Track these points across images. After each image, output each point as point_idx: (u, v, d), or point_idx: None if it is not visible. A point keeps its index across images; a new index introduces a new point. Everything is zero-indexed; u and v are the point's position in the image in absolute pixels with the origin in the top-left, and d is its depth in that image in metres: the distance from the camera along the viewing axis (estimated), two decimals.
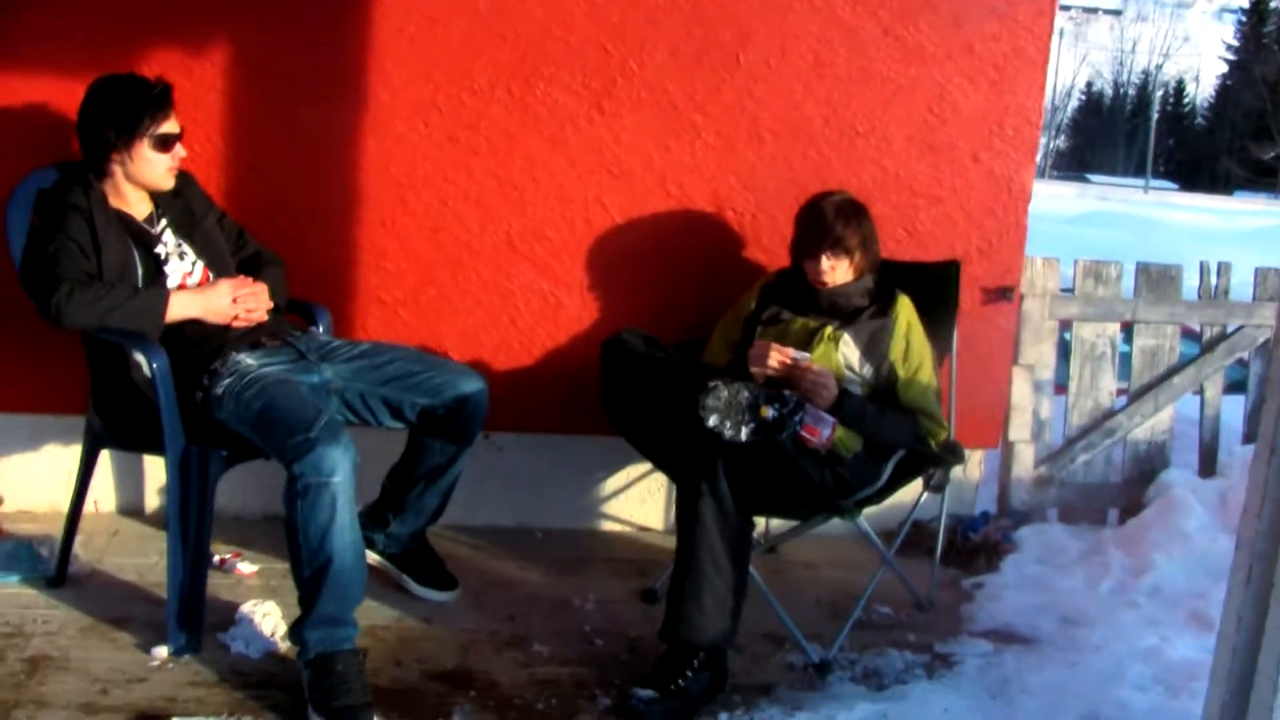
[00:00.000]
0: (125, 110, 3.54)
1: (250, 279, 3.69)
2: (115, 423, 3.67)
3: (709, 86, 4.29)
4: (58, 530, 3.85)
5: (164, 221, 3.70)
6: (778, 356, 3.57)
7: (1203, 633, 3.74)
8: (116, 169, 3.59)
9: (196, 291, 3.57)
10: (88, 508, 3.95)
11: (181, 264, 3.65)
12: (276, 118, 4.13)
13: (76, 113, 3.58)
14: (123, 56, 3.95)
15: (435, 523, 3.98)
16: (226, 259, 3.79)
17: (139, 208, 3.67)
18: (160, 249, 3.63)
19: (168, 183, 3.66)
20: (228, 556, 4.02)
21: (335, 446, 3.19)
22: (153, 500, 4.44)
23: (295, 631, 3.26)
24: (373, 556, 3.89)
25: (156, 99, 3.58)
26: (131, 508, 4.46)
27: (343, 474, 3.18)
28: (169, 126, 3.60)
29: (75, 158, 3.71)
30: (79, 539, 3.90)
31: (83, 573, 3.89)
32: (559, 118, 4.23)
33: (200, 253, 3.72)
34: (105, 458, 4.25)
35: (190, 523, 3.43)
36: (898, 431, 3.69)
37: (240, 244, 3.92)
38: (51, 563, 3.83)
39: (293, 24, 4.10)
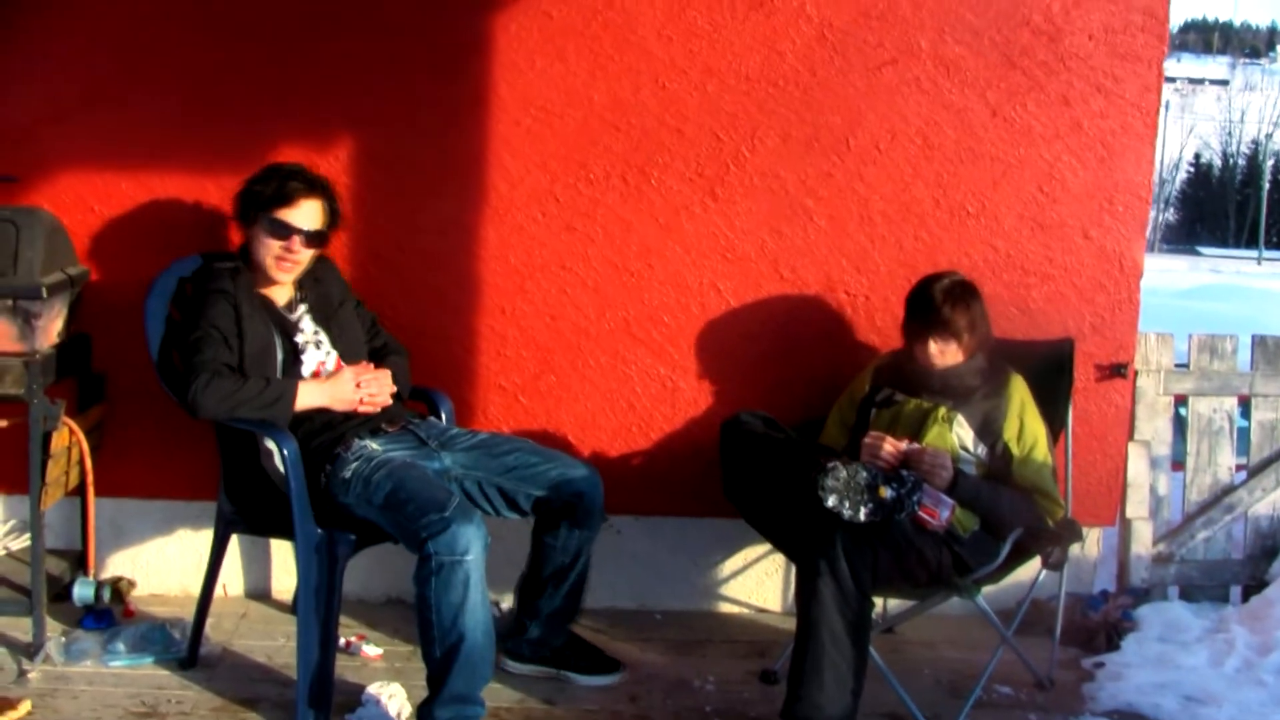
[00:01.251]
0: (260, 183, 3.72)
1: (373, 365, 3.79)
2: (246, 508, 3.77)
3: (820, 171, 4.35)
4: (188, 613, 3.95)
5: (303, 308, 3.81)
6: (889, 449, 3.60)
7: None
8: (248, 243, 3.77)
9: (323, 381, 3.67)
10: (217, 591, 4.05)
11: (317, 353, 3.76)
12: (398, 208, 4.25)
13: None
14: (251, 149, 4.12)
15: (574, 620, 4.01)
16: (360, 347, 3.89)
17: (280, 293, 3.78)
18: (299, 337, 3.74)
19: (276, 274, 3.75)
20: (353, 639, 4.09)
21: (469, 525, 3.26)
22: (279, 583, 4.53)
23: (425, 710, 3.32)
24: (527, 667, 3.95)
25: (283, 179, 3.72)
26: (259, 591, 4.56)
27: (475, 553, 3.25)
28: (289, 215, 3.69)
29: (216, 248, 3.87)
30: (210, 622, 3.99)
31: (213, 654, 3.99)
32: (673, 205, 4.32)
33: (335, 341, 3.82)
34: (233, 542, 4.36)
35: (319, 607, 3.50)
36: (1014, 510, 3.69)
37: (372, 333, 4.02)
38: (184, 644, 3.93)
39: (413, 116, 4.24)
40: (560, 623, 3.95)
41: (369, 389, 3.70)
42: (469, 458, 3.78)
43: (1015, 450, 3.79)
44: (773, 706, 3.46)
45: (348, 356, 3.83)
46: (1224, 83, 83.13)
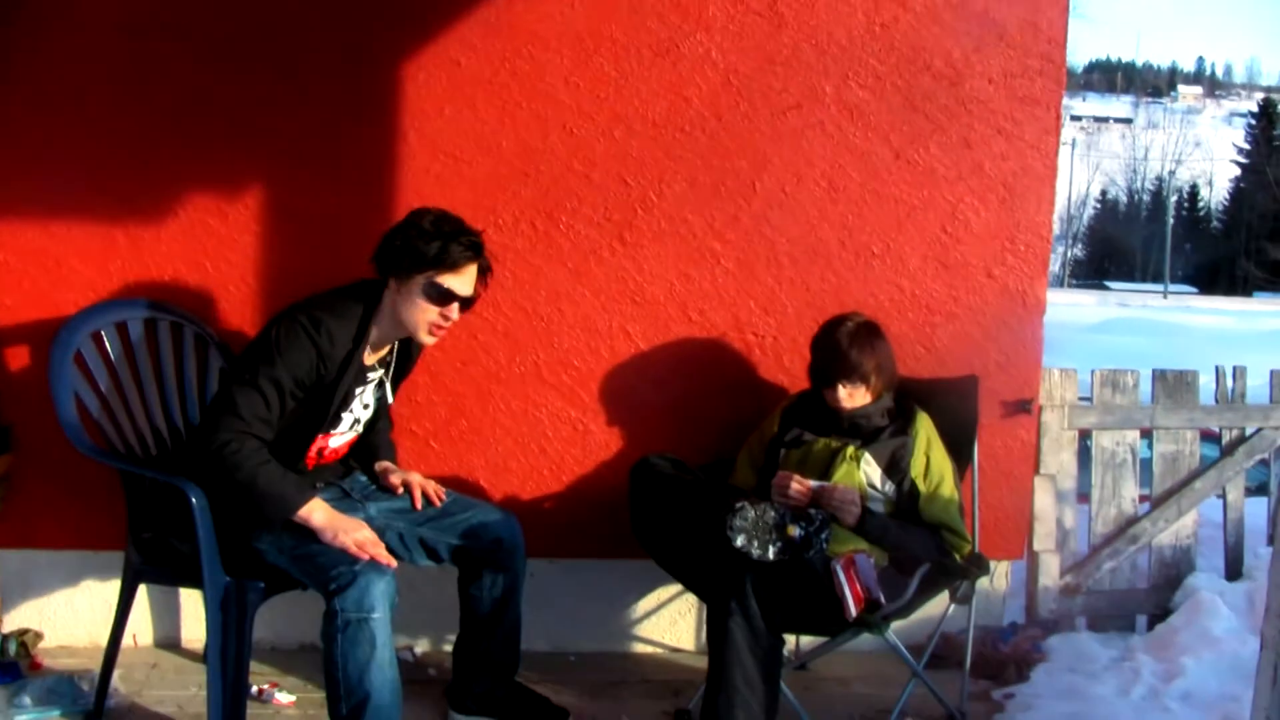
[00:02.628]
0: (423, 240, 3.46)
1: (383, 547, 3.42)
2: (153, 557, 3.72)
3: (727, 215, 4.40)
4: (98, 664, 3.88)
5: (380, 375, 3.71)
6: (797, 487, 3.64)
7: None
8: (387, 297, 3.53)
9: (336, 516, 3.41)
10: (126, 641, 4.01)
11: (345, 428, 3.70)
12: (308, 257, 4.23)
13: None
14: (159, 195, 4.14)
15: (516, 671, 3.97)
16: (377, 423, 3.88)
17: (378, 352, 3.66)
18: (348, 410, 3.65)
19: (426, 338, 3.59)
20: (265, 687, 4.06)
21: (378, 582, 3.24)
22: (190, 632, 4.47)
23: None
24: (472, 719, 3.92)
25: (458, 246, 3.49)
26: (169, 640, 4.50)
27: (382, 611, 3.23)
28: (452, 281, 3.50)
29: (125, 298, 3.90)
30: (119, 672, 3.94)
31: (122, 706, 3.94)
32: (582, 250, 4.35)
33: (373, 414, 3.79)
34: (144, 591, 4.32)
35: (229, 655, 3.47)
36: (921, 547, 3.75)
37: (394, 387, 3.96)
38: (91, 697, 3.87)
39: (322, 163, 4.23)
40: (501, 674, 3.92)
41: (368, 548, 3.37)
42: (391, 508, 3.78)
43: (922, 487, 3.84)
44: None
45: (361, 435, 3.82)
46: (1128, 121, 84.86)
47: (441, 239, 3.47)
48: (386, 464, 3.92)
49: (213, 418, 3.38)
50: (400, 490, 3.79)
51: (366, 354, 3.57)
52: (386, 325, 3.56)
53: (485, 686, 3.90)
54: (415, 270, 3.46)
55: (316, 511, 3.37)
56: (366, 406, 3.72)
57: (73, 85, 4.15)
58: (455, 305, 3.54)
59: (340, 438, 3.71)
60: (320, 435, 3.61)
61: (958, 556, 3.85)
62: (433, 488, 3.80)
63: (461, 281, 3.52)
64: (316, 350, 3.39)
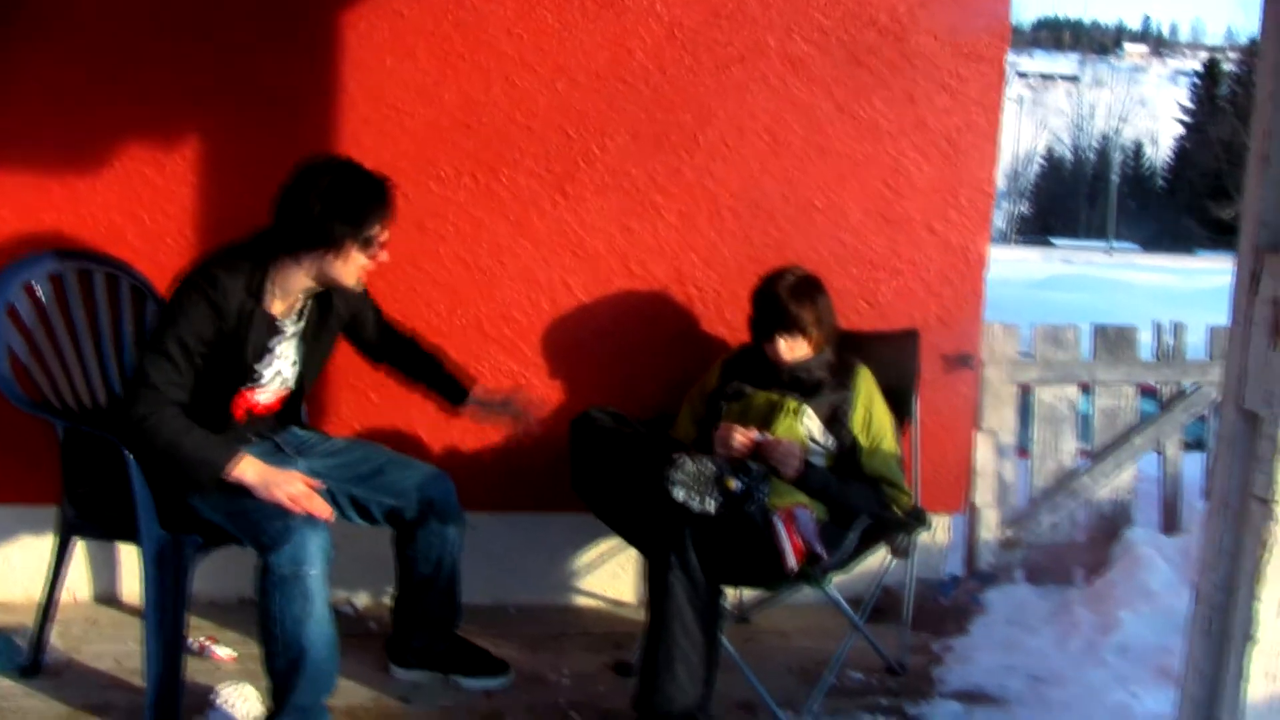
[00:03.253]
0: (358, 210, 3.40)
1: (314, 489, 3.40)
2: (88, 512, 3.69)
3: (669, 168, 4.39)
4: (32, 620, 3.85)
5: (300, 324, 3.63)
6: (740, 438, 3.64)
7: (1171, 687, 3.71)
8: (309, 260, 3.44)
9: (268, 470, 3.37)
10: (65, 597, 3.99)
11: (267, 382, 3.63)
12: (246, 209, 4.14)
13: (288, 190, 3.41)
14: (94, 145, 4.09)
15: (456, 625, 3.98)
16: (313, 376, 3.82)
17: (289, 303, 3.55)
18: (266, 363, 3.58)
19: (358, 286, 3.56)
20: (204, 641, 4.04)
21: (313, 536, 3.23)
22: (129, 586, 4.45)
23: None
24: (413, 673, 3.93)
25: (386, 202, 3.46)
26: (108, 595, 4.47)
27: (318, 566, 3.22)
28: (381, 231, 3.48)
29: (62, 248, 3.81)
30: (56, 628, 3.91)
31: (60, 662, 3.91)
32: (523, 202, 4.33)
33: (299, 371, 3.72)
34: (82, 547, 4.31)
35: (166, 610, 3.45)
36: (861, 500, 3.75)
37: (373, 334, 3.96)
38: (27, 653, 3.84)
39: (262, 113, 4.19)
40: (440, 629, 3.93)
41: (304, 502, 3.35)
42: (324, 464, 3.73)
43: (863, 441, 3.85)
44: (627, 698, 3.47)
45: (294, 388, 3.76)
46: (1074, 79, 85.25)
47: (369, 201, 3.42)
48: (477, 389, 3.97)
49: (129, 391, 3.35)
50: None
51: (273, 305, 3.50)
52: (299, 280, 3.49)
53: (424, 641, 3.91)
54: (347, 239, 3.39)
55: (248, 469, 3.33)
56: (289, 360, 3.67)
57: (6, 46, 4.07)
58: (383, 250, 3.52)
59: (267, 393, 3.66)
60: (243, 391, 3.57)
61: (898, 510, 3.87)
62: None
63: (386, 228, 3.50)
64: (213, 306, 3.33)
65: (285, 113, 4.19)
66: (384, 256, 3.51)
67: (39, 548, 4.23)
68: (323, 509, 3.33)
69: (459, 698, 3.83)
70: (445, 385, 3.98)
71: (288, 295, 3.52)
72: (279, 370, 3.64)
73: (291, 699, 3.25)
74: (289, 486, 3.32)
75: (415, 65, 4.23)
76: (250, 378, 3.55)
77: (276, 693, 3.29)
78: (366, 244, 3.43)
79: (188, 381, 3.35)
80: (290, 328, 3.60)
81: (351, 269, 3.46)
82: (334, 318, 3.72)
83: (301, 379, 3.75)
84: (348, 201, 3.38)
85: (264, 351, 3.54)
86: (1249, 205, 2.31)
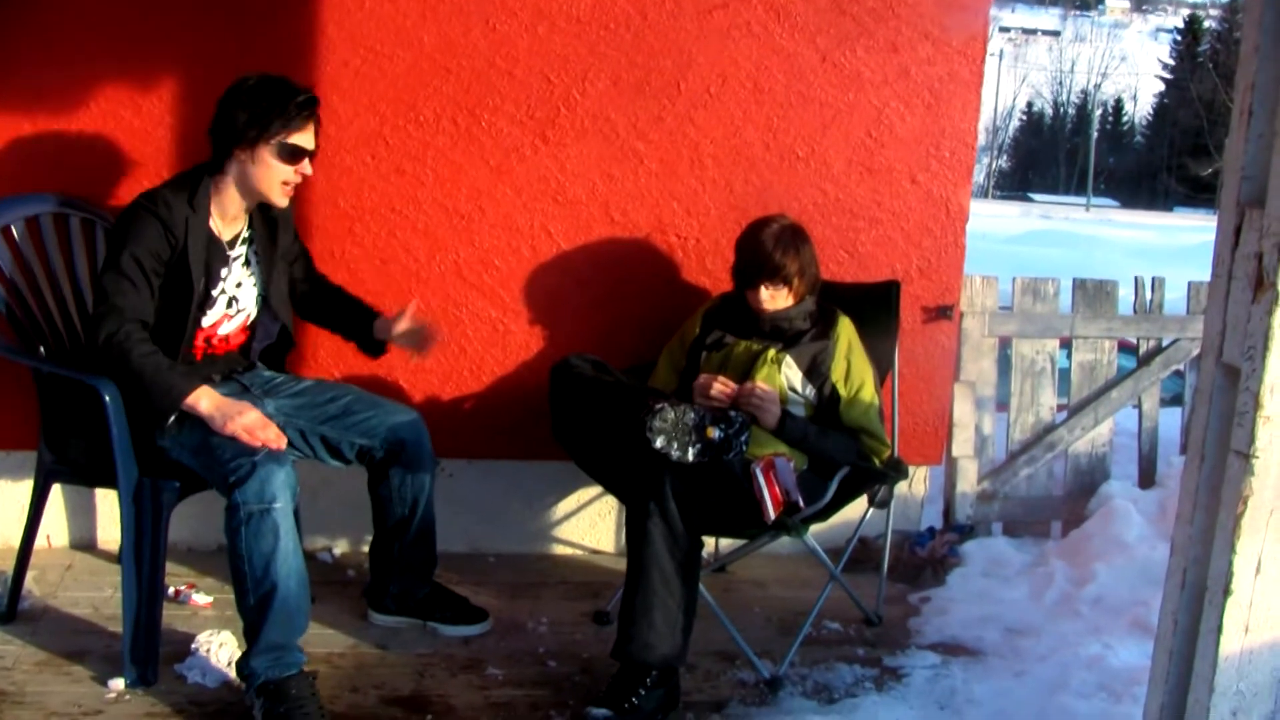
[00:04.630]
0: (262, 106, 3.44)
1: (274, 427, 3.38)
2: (66, 456, 3.67)
3: (651, 115, 4.35)
4: (10, 566, 3.83)
5: (243, 249, 3.64)
6: (719, 387, 3.64)
7: (1144, 639, 3.78)
8: (233, 168, 3.49)
9: (223, 401, 3.36)
10: (41, 543, 3.96)
11: (222, 309, 3.61)
12: None
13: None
14: (70, 90, 4.03)
15: (433, 570, 3.97)
16: (285, 306, 3.82)
17: (231, 225, 3.59)
18: (218, 286, 3.57)
19: (280, 199, 3.56)
20: (182, 588, 4.03)
21: (277, 472, 3.21)
22: (106, 533, 4.43)
23: (242, 662, 3.28)
24: (391, 619, 3.94)
25: (298, 106, 3.48)
26: (85, 541, 4.45)
27: (284, 500, 3.21)
28: (301, 139, 3.49)
29: (20, 192, 3.80)
30: (32, 574, 3.90)
31: (36, 608, 3.89)
32: (504, 148, 4.29)
33: (266, 288, 3.71)
34: (58, 492, 4.27)
35: (144, 556, 3.43)
36: (840, 450, 3.76)
37: (301, 274, 3.93)
38: (3, 598, 3.82)
39: (238, 56, 4.09)
40: (418, 574, 3.92)
41: (257, 433, 3.33)
42: (292, 405, 3.73)
43: (842, 391, 3.84)
44: (605, 647, 3.47)
45: (260, 319, 3.74)
46: (1055, 33, 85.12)
47: (283, 99, 3.47)
48: (380, 316, 3.91)
49: (95, 315, 3.35)
50: (407, 320, 3.83)
51: (217, 227, 3.54)
52: (232, 194, 3.53)
53: (402, 587, 3.91)
54: (263, 136, 3.44)
55: (203, 399, 3.32)
56: (239, 285, 3.64)
57: None
58: (307, 160, 3.54)
59: (226, 324, 3.64)
60: (200, 323, 3.55)
61: (876, 461, 3.87)
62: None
63: (307, 137, 3.52)
64: (158, 220, 3.37)
65: (264, 55, 4.11)
66: (307, 169, 3.55)
67: (16, 493, 4.23)
68: (278, 438, 3.34)
69: (437, 645, 3.83)
70: (364, 335, 3.94)
71: (225, 213, 3.56)
72: (231, 295, 3.62)
73: (263, 636, 3.24)
74: (243, 418, 3.31)
75: (395, 7, 4.18)
76: (207, 304, 3.54)
77: (249, 631, 3.28)
78: (280, 148, 3.46)
79: (149, 299, 3.38)
80: (235, 252, 3.61)
81: (270, 176, 3.49)
82: (280, 243, 3.73)
83: (267, 309, 3.74)
84: (261, 100, 3.45)
85: (213, 275, 3.53)
86: (1232, 159, 2.31)
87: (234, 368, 3.76)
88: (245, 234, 3.64)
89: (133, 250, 3.34)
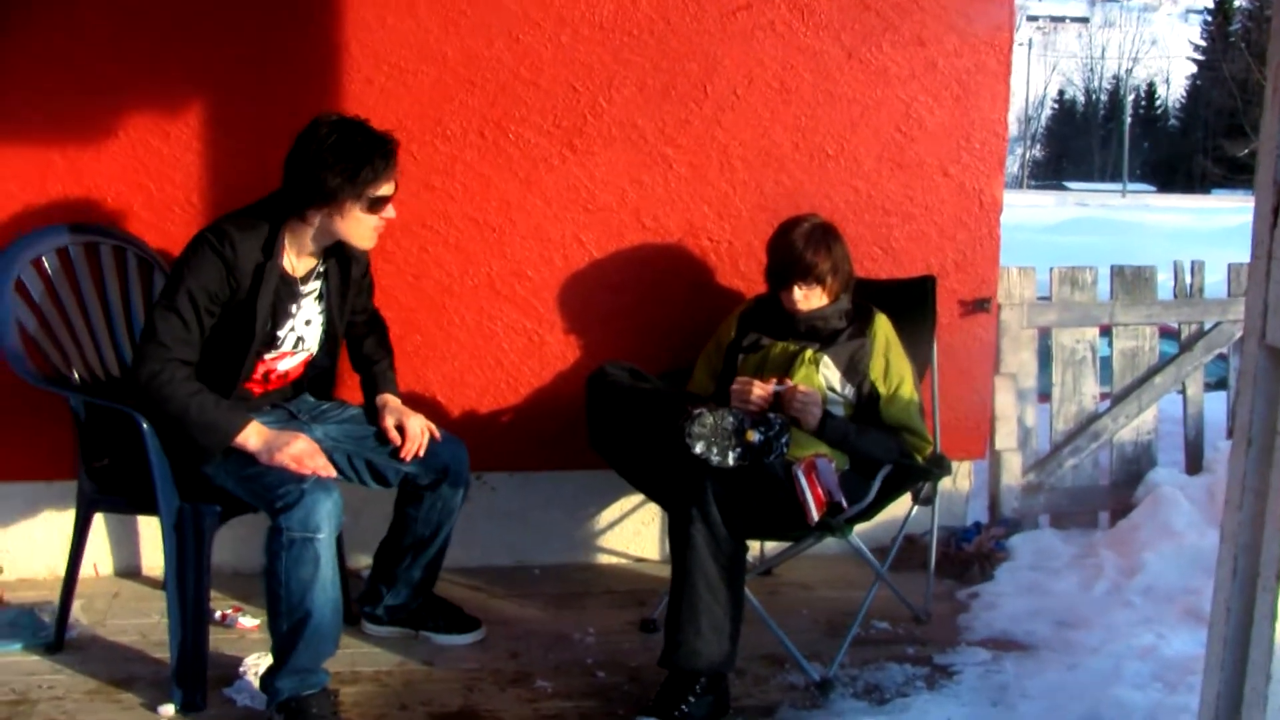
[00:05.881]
0: (350, 165, 3.35)
1: (322, 455, 3.41)
2: (107, 485, 3.68)
3: (678, 119, 4.34)
4: (56, 596, 3.85)
5: (316, 285, 3.60)
6: (758, 391, 3.61)
7: (1197, 627, 3.74)
8: (316, 219, 3.43)
9: (271, 435, 3.36)
10: (87, 571, 4.00)
11: (288, 347, 3.60)
12: (253, 174, 4.13)
13: (293, 147, 3.41)
14: (96, 116, 4.05)
15: (432, 586, 3.97)
16: (337, 342, 3.78)
17: (306, 260, 3.55)
18: (286, 325, 3.55)
19: (370, 244, 3.54)
20: (229, 611, 4.04)
21: (325, 501, 3.22)
22: (151, 559, 4.44)
23: (267, 679, 3.31)
24: (385, 629, 3.95)
25: (383, 158, 3.41)
26: (130, 568, 4.46)
27: (328, 531, 3.22)
28: (388, 188, 3.45)
29: (64, 221, 3.81)
30: (79, 603, 3.92)
31: (84, 636, 3.90)
32: (532, 158, 4.29)
33: (322, 334, 3.69)
34: (102, 520, 4.29)
35: (188, 581, 3.44)
36: (882, 448, 3.73)
37: (362, 305, 3.87)
38: (52, 628, 3.83)
39: (264, 77, 4.14)
40: (419, 590, 3.93)
41: (305, 461, 3.35)
42: (340, 431, 3.72)
43: (882, 389, 3.82)
44: (653, 655, 3.47)
45: (320, 354, 3.73)
46: (1084, 20, 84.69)
47: (369, 155, 3.38)
48: (386, 398, 3.82)
49: (139, 350, 3.34)
50: (394, 436, 3.69)
51: (290, 266, 3.49)
52: (312, 237, 3.48)
53: (400, 599, 3.92)
54: (352, 195, 3.37)
55: (252, 436, 3.32)
56: (309, 323, 3.62)
57: (4, 6, 4.02)
58: (390, 206, 3.49)
59: (288, 360, 3.63)
60: (263, 358, 3.54)
61: (919, 458, 3.84)
62: (427, 438, 3.71)
63: (391, 185, 3.47)
64: (222, 261, 3.31)
65: (288, 76, 4.15)
66: (391, 213, 3.49)
67: (60, 523, 4.24)
68: (326, 467, 3.35)
69: (483, 659, 3.83)
70: (367, 399, 3.88)
71: (302, 254, 3.51)
72: (299, 335, 3.60)
73: (292, 659, 3.27)
74: (291, 448, 3.31)
75: (417, 23, 4.18)
76: (268, 341, 3.52)
77: (278, 651, 3.30)
78: (368, 202, 3.41)
79: (197, 339, 3.34)
80: (308, 288, 3.57)
81: (359, 228, 3.45)
82: (353, 278, 3.69)
83: (329, 344, 3.73)
84: (345, 158, 3.35)
85: (282, 314, 3.51)
86: (1266, 139, 2.28)
87: (284, 397, 3.76)
88: (320, 268, 3.60)
89: (189, 287, 3.31)
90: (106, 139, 4.09)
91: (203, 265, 3.32)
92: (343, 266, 3.65)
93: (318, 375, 3.83)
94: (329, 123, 3.40)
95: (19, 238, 3.82)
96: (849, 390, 3.81)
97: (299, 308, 3.57)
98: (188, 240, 3.42)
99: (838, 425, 3.66)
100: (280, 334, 3.54)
